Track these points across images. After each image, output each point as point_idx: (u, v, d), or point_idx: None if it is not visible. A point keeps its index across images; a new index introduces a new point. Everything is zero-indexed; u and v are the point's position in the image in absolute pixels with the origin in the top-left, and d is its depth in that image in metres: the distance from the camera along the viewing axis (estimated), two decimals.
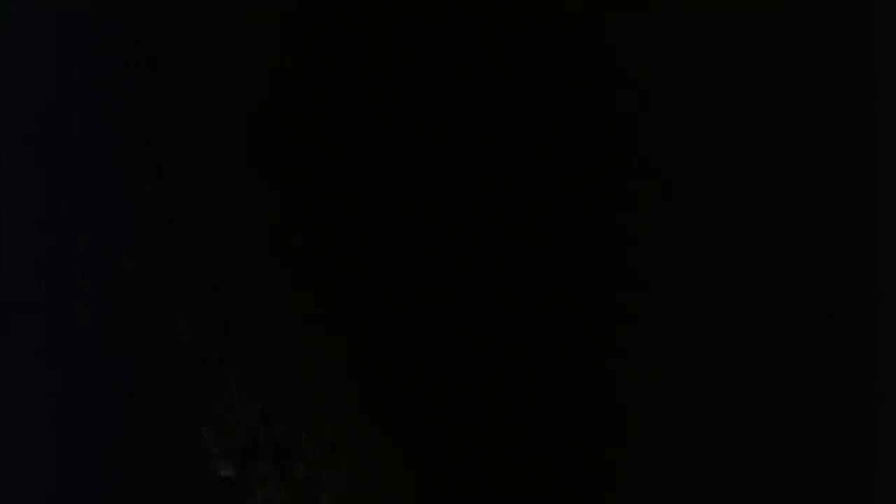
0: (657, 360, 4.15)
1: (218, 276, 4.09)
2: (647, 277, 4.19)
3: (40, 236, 4.05)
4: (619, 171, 4.20)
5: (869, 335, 4.15)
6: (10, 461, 3.88)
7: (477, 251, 4.16)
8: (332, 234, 4.16)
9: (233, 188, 4.17)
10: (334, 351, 4.08)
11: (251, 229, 4.15)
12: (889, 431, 4.10)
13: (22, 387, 3.94)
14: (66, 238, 4.06)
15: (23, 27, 4.14)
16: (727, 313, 4.17)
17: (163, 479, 3.84)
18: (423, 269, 4.15)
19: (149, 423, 3.93)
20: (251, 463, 3.85)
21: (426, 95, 4.19)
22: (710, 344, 4.15)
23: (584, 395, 4.10)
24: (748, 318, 4.16)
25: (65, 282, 4.04)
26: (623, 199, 4.20)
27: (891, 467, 4.06)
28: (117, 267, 4.05)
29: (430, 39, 4.19)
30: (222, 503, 3.85)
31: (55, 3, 4.15)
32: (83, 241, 4.07)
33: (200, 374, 3.97)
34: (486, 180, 4.19)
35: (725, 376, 4.13)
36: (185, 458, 3.89)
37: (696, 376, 4.13)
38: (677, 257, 4.18)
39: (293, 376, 4.01)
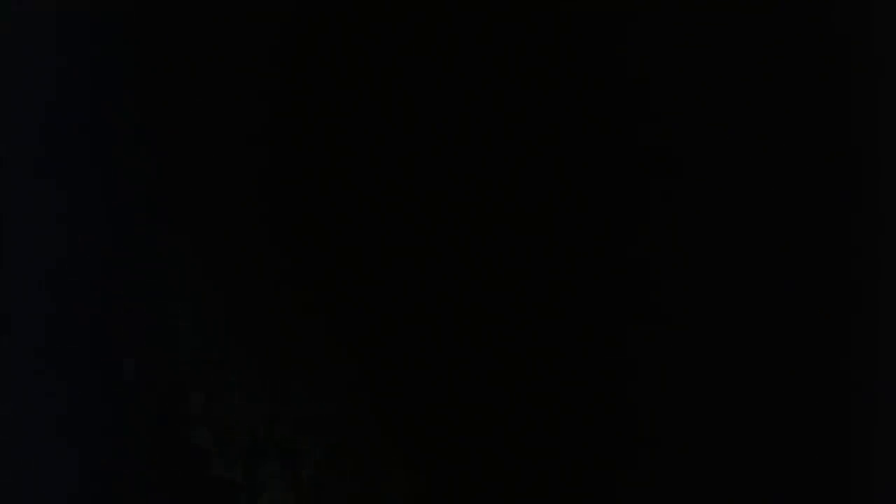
0: (658, 360, 4.14)
1: (218, 276, 4.09)
2: (647, 278, 4.18)
3: (40, 236, 4.04)
4: (618, 170, 4.20)
5: (869, 335, 4.15)
6: (10, 461, 3.88)
7: (479, 252, 4.16)
8: (333, 233, 4.16)
9: (233, 188, 4.16)
10: (336, 350, 4.08)
11: (252, 229, 4.14)
12: (889, 432, 4.10)
13: (21, 387, 3.93)
14: (65, 238, 4.05)
15: (23, 27, 4.14)
16: (727, 314, 4.17)
17: (164, 482, 3.83)
18: (425, 268, 4.15)
19: (150, 424, 3.92)
20: (256, 465, 3.84)
21: (427, 94, 4.19)
22: (710, 344, 4.15)
23: (587, 396, 4.09)
24: (749, 319, 4.16)
25: (64, 282, 4.03)
26: (622, 199, 4.20)
27: (891, 467, 4.06)
28: (117, 267, 4.05)
29: (430, 38, 4.18)
30: None
31: (55, 3, 4.15)
32: (82, 242, 4.06)
33: (201, 374, 3.96)
34: (487, 180, 4.18)
35: (726, 377, 4.13)
36: (186, 461, 3.88)
37: (697, 377, 4.12)
38: (677, 257, 4.17)
39: (294, 376, 4.00)
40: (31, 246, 4.04)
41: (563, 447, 4.07)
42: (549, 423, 4.08)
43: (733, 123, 4.22)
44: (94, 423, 3.91)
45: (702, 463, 4.06)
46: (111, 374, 3.94)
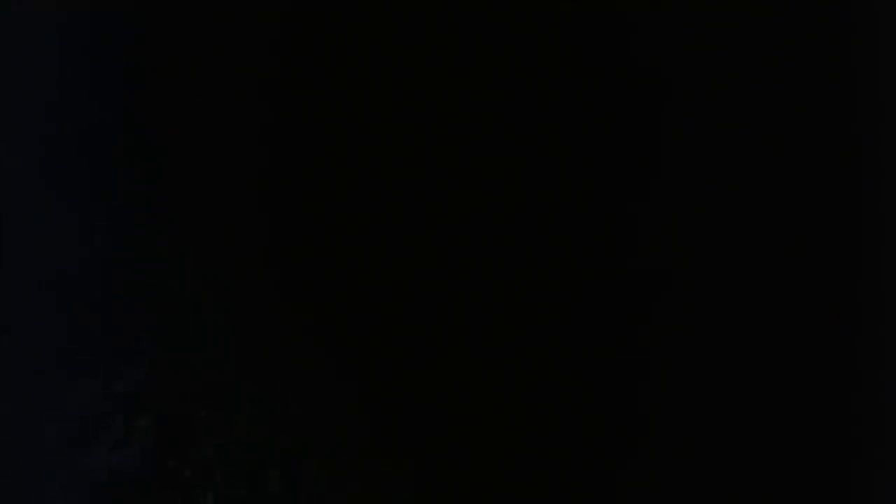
0: (659, 361, 4.16)
1: (218, 278, 4.09)
2: (648, 278, 4.20)
3: (39, 239, 4.04)
4: (621, 170, 4.20)
5: (872, 336, 4.16)
6: (11, 461, 3.89)
7: (479, 253, 4.16)
8: (333, 234, 4.16)
9: (232, 189, 4.16)
10: (337, 353, 4.09)
11: (251, 230, 4.15)
12: (891, 432, 4.12)
13: (20, 394, 3.94)
14: (64, 241, 4.05)
15: (23, 27, 4.13)
16: (729, 314, 4.18)
17: (166, 496, 3.84)
18: (425, 269, 4.15)
19: (152, 437, 3.93)
20: (259, 479, 3.85)
21: (424, 95, 4.19)
22: (711, 345, 4.16)
23: (588, 396, 4.11)
24: (750, 320, 4.17)
25: (64, 285, 4.03)
26: (623, 199, 4.21)
27: (892, 468, 4.08)
28: (116, 270, 4.05)
29: (430, 38, 4.18)
30: None
31: (55, 3, 4.13)
32: (82, 245, 4.06)
33: (200, 378, 3.97)
34: (486, 181, 4.19)
35: (727, 378, 4.14)
36: (189, 475, 3.89)
37: (698, 377, 4.14)
38: (679, 258, 4.18)
39: (295, 379, 4.01)
40: (30, 249, 4.03)
41: (565, 448, 4.08)
42: (550, 423, 4.10)
43: (735, 123, 4.22)
44: (94, 434, 3.92)
45: (702, 463, 4.08)
46: (112, 383, 3.94)
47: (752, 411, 4.09)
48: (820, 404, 4.09)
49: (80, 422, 3.90)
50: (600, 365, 4.10)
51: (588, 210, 4.15)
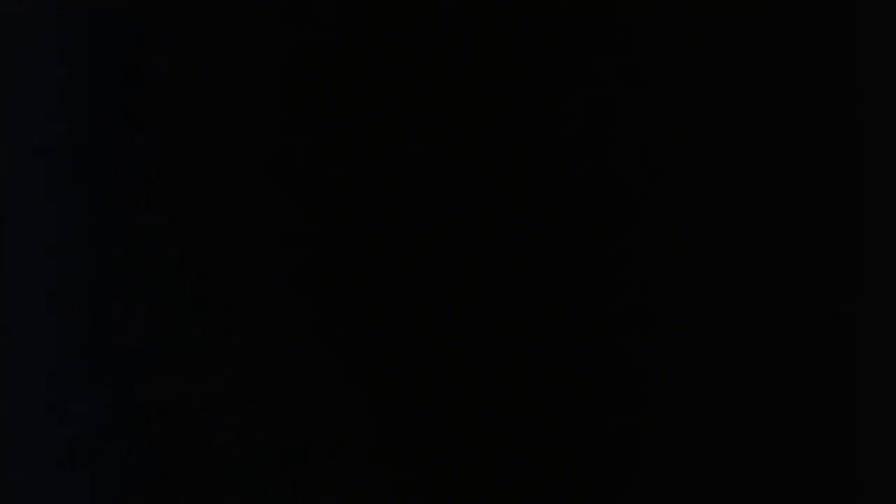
0: (658, 361, 4.17)
1: (217, 279, 4.09)
2: (648, 278, 4.21)
3: (38, 240, 4.03)
4: (621, 170, 4.21)
5: (871, 337, 4.18)
6: (10, 462, 3.88)
7: (479, 252, 4.17)
8: (333, 234, 4.16)
9: (232, 189, 4.16)
10: (337, 354, 4.09)
11: (251, 230, 4.14)
12: (891, 433, 4.14)
13: (21, 388, 3.93)
14: (64, 243, 4.04)
15: (23, 27, 4.12)
16: (728, 315, 4.20)
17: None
18: (425, 269, 4.16)
19: (161, 447, 3.92)
20: (267, 487, 3.85)
21: (425, 95, 4.19)
22: (710, 345, 4.18)
23: (589, 397, 4.12)
24: (750, 321, 4.19)
25: (63, 287, 4.02)
26: (623, 199, 4.21)
27: (892, 468, 4.10)
28: (116, 271, 4.04)
29: (429, 38, 4.17)
30: None
31: (55, 3, 4.12)
32: (82, 246, 4.05)
33: (200, 379, 3.97)
34: (487, 181, 4.19)
35: (726, 378, 4.16)
36: (199, 485, 3.88)
37: (697, 378, 4.16)
38: (679, 258, 4.20)
39: (294, 380, 4.01)
40: (30, 250, 4.02)
41: (567, 448, 4.10)
42: (550, 423, 4.11)
43: (734, 124, 4.23)
44: (101, 444, 3.91)
45: (702, 464, 4.10)
46: (119, 394, 3.93)
47: (752, 413, 4.11)
48: (819, 406, 4.11)
49: (83, 426, 3.89)
50: (601, 366, 4.11)
51: (587, 210, 4.16)
